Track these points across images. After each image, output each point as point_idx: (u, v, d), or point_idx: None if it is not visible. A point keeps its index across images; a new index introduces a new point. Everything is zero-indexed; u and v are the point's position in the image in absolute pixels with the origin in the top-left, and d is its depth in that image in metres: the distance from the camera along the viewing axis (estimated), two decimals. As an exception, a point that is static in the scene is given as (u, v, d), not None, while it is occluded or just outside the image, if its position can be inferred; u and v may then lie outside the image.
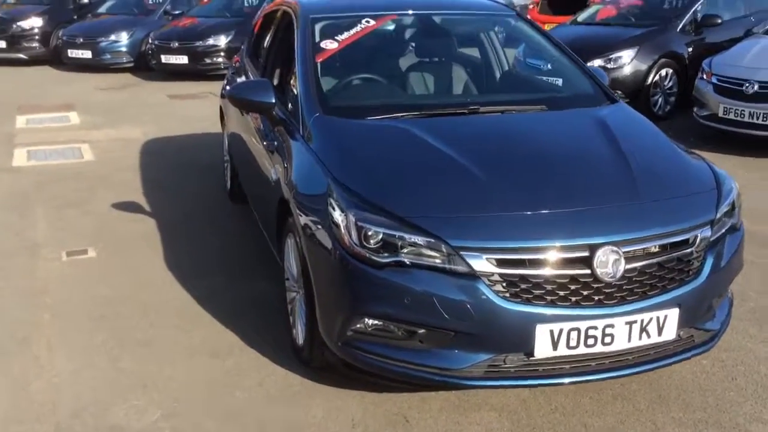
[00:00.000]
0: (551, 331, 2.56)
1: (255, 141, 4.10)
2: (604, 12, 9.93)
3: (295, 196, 3.14)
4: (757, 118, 6.78)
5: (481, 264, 2.57)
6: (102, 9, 14.56)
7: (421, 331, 2.66)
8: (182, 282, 4.28)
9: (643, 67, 8.39)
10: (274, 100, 3.61)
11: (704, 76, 7.48)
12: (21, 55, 13.93)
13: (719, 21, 8.86)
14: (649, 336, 2.66)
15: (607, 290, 2.60)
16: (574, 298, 2.59)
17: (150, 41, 12.63)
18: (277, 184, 3.44)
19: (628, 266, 2.61)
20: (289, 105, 3.70)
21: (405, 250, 2.65)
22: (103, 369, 3.36)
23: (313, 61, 3.68)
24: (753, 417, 2.88)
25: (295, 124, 3.49)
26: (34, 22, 14.09)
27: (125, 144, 7.77)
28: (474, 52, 4.44)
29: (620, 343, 2.63)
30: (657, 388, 3.06)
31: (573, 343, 2.59)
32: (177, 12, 13.80)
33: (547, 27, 9.65)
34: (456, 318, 2.57)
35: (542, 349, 2.58)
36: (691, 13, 8.86)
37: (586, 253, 2.60)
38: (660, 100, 8.54)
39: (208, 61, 12.16)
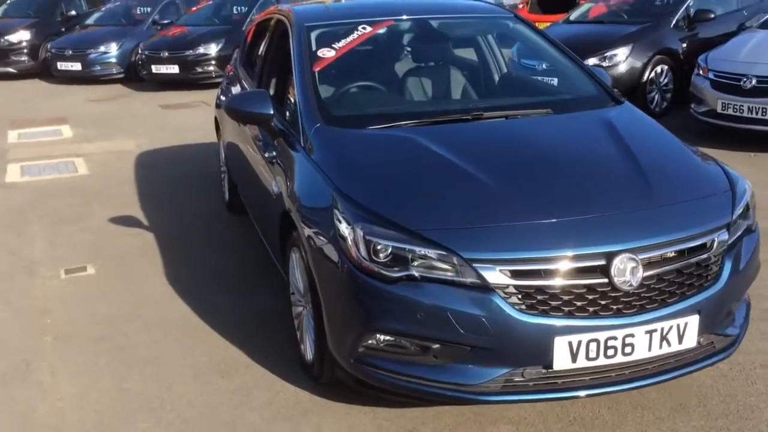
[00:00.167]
0: (570, 343, 2.50)
1: (254, 152, 4.03)
2: (596, 10, 9.89)
3: (299, 209, 3.07)
4: (757, 113, 6.75)
5: (495, 276, 2.50)
6: (90, 21, 14.47)
7: (436, 346, 2.59)
8: (184, 297, 4.21)
9: (639, 64, 8.35)
10: (272, 112, 3.54)
11: (701, 72, 7.44)
12: (10, 69, 13.81)
13: (712, 16, 8.84)
14: (669, 344, 2.60)
15: (625, 299, 2.54)
16: (592, 309, 2.52)
17: (140, 51, 12.55)
18: (279, 197, 3.38)
19: (646, 273, 2.55)
20: (288, 116, 3.63)
21: (416, 264, 2.58)
22: (108, 391, 3.28)
23: (311, 70, 3.61)
24: (775, 422, 2.83)
25: (295, 135, 3.42)
26: (21, 36, 13.97)
27: (119, 156, 7.69)
28: (473, 55, 4.38)
29: (641, 353, 2.57)
30: (676, 395, 3.00)
31: (593, 354, 2.52)
32: (165, 21, 13.72)
33: (539, 27, 9.61)
34: (471, 332, 2.51)
35: (561, 361, 2.52)
36: (684, 8, 8.84)
37: (602, 262, 2.53)
38: (656, 97, 8.50)
39: (199, 69, 12.08)
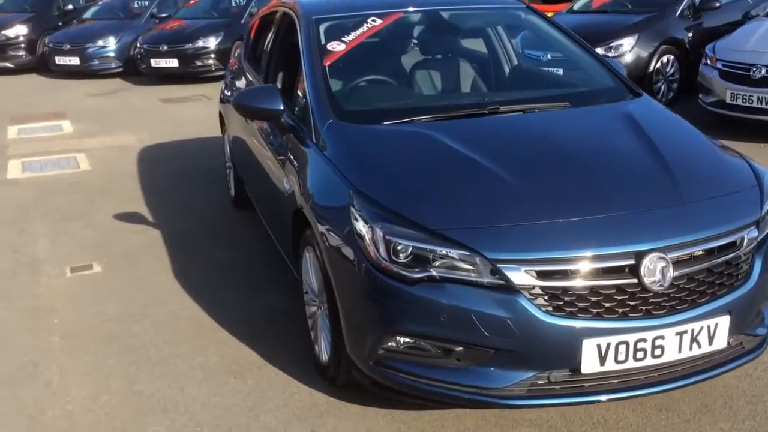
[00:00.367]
0: (598, 346, 2.43)
1: (263, 149, 3.95)
2: (599, -1, 9.80)
3: (313, 208, 2.99)
4: (767, 103, 6.66)
5: (521, 277, 2.43)
6: (87, 14, 14.34)
7: (459, 348, 2.51)
8: (193, 296, 4.13)
9: (645, 54, 8.26)
10: (282, 107, 3.46)
11: (708, 62, 7.35)
12: (7, 64, 13.66)
13: (717, 4, 8.74)
14: (699, 346, 2.53)
15: (655, 300, 2.47)
16: (621, 310, 2.45)
17: (138, 45, 12.43)
18: (291, 195, 3.30)
19: (676, 273, 2.48)
20: (298, 111, 3.55)
21: (437, 264, 2.50)
22: (118, 393, 3.21)
23: (321, 64, 3.52)
24: (803, 423, 2.76)
25: (306, 131, 3.34)
26: (19, 30, 13.81)
27: (121, 151, 7.60)
28: (485, 47, 4.28)
29: (670, 355, 2.50)
30: (701, 396, 2.94)
31: (621, 357, 2.45)
32: (164, 15, 13.57)
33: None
34: (496, 335, 2.43)
35: (589, 364, 2.44)
36: (689, -4, 8.74)
37: (631, 261, 2.46)
38: (663, 87, 8.42)
39: (198, 63, 11.97)
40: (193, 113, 9.55)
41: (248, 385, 3.21)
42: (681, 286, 2.50)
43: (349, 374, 2.93)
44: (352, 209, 2.70)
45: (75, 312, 4.00)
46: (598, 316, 2.44)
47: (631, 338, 2.45)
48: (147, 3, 14.12)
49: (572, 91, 3.64)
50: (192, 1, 13.94)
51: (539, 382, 2.50)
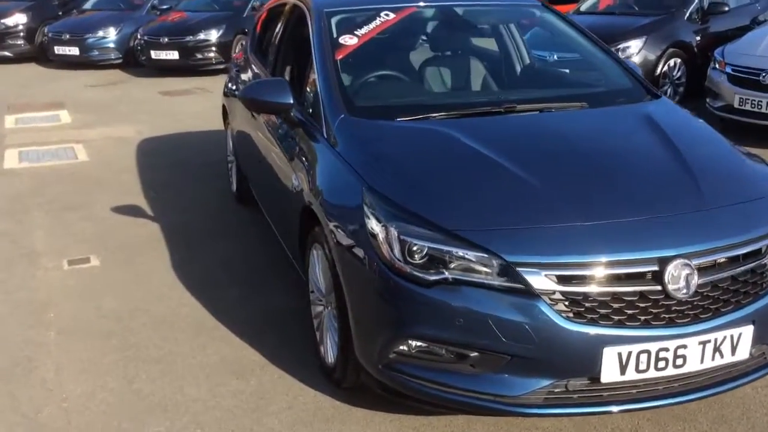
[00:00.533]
0: (619, 354, 2.34)
1: (270, 144, 3.84)
2: (606, 0, 9.72)
3: (323, 205, 2.90)
4: (776, 109, 6.59)
5: (541, 281, 2.34)
6: (87, 5, 14.16)
7: (474, 354, 2.42)
8: (193, 292, 4.03)
9: (652, 57, 8.19)
10: (292, 101, 3.36)
11: (717, 66, 7.28)
12: (6, 53, 13.51)
13: (726, 9, 8.68)
14: (722, 356, 2.44)
15: (678, 308, 2.38)
16: (643, 318, 2.36)
17: (139, 37, 12.31)
18: (300, 191, 3.20)
19: (701, 281, 2.39)
20: (308, 106, 3.45)
21: (453, 266, 2.41)
22: (116, 391, 3.11)
23: (333, 58, 3.42)
24: (823, 437, 2.68)
25: (317, 125, 3.24)
26: (18, 19, 13.65)
27: (119, 143, 7.49)
28: (501, 45, 4.19)
29: (692, 365, 2.41)
30: (718, 406, 2.85)
31: (642, 366, 2.36)
32: (165, 6, 13.45)
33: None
34: (514, 341, 2.34)
35: (609, 373, 2.35)
36: (697, 0, 8.66)
37: (655, 268, 2.37)
38: (669, 91, 8.34)
39: (199, 56, 11.87)
40: (193, 106, 9.45)
41: (250, 385, 3.12)
42: (705, 294, 2.42)
43: (356, 377, 2.84)
44: (365, 207, 2.61)
45: (72, 306, 3.90)
46: (620, 324, 2.35)
47: (653, 347, 2.36)
48: (148, -6, 13.99)
49: (589, 91, 3.55)
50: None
51: (556, 390, 2.41)
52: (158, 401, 3.03)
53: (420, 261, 2.44)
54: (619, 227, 2.45)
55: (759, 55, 6.96)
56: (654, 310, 2.37)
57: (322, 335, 3.11)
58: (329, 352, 3.01)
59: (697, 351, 2.40)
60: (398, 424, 2.83)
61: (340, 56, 3.43)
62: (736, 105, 6.92)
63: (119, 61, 12.70)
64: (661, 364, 2.38)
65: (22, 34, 13.61)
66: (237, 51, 11.87)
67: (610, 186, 2.65)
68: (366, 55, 3.58)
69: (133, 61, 12.54)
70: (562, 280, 2.35)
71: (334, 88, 3.23)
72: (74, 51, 12.69)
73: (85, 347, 3.47)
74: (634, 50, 8.15)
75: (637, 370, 2.37)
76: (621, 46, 8.13)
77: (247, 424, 2.87)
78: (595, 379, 2.38)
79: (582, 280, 2.35)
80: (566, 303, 2.34)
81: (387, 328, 2.53)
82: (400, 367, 2.56)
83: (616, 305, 2.35)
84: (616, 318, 2.35)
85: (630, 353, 2.34)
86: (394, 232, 2.47)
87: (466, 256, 2.40)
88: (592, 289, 2.35)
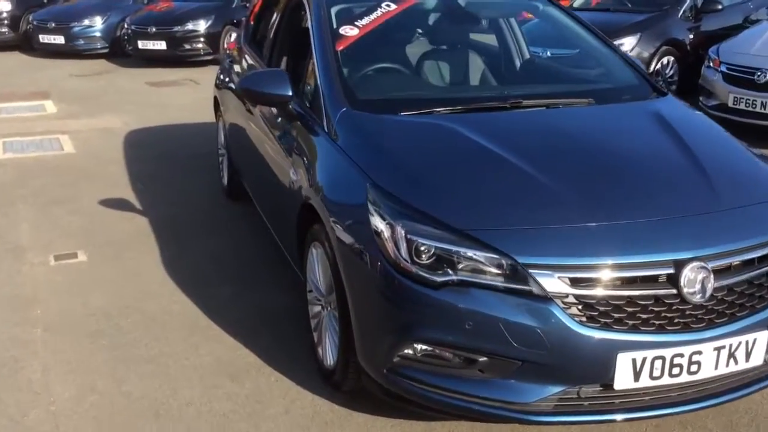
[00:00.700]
0: (634, 360, 2.26)
1: (266, 138, 3.73)
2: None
3: (324, 202, 2.79)
4: (771, 109, 6.55)
5: (554, 284, 2.25)
6: (73, -7, 13.95)
7: (483, 359, 2.33)
8: (184, 289, 3.91)
9: (645, 54, 8.14)
10: (291, 93, 3.25)
11: (711, 64, 7.24)
12: (-11, 41, 13.28)
13: (720, 7, 8.65)
14: (736, 362, 2.37)
15: (693, 312, 2.30)
16: (657, 322, 2.28)
17: (126, 26, 12.12)
18: (299, 187, 3.09)
19: (717, 284, 2.32)
20: (308, 98, 3.34)
21: (462, 267, 2.32)
22: (106, 393, 2.99)
23: (334, 49, 3.31)
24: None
25: (317, 119, 3.14)
26: (2, 7, 13.36)
27: (106, 134, 7.34)
28: (505, 39, 4.10)
29: (707, 372, 2.34)
30: (726, 412, 2.79)
31: (657, 373, 2.28)
32: (153, -5, 13.24)
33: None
34: (525, 345, 2.25)
35: (623, 380, 2.28)
36: (691, -2, 8.63)
37: (671, 270, 2.29)
38: (662, 88, 8.28)
39: (187, 46, 11.69)
40: (181, 98, 9.30)
41: (246, 388, 3.01)
42: (720, 298, 2.34)
43: (356, 381, 2.75)
44: (369, 205, 2.51)
45: (59, 304, 3.77)
46: (635, 329, 2.27)
47: (668, 353, 2.28)
48: (135, -17, 13.77)
49: (595, 87, 3.47)
50: (182, -17, 13.61)
51: (567, 397, 2.32)
52: (150, 405, 2.92)
53: (427, 261, 2.35)
54: (634, 228, 2.37)
55: (754, 54, 6.92)
56: (668, 315, 2.29)
57: (320, 336, 3.02)
58: (328, 354, 2.92)
59: (711, 357, 2.33)
60: (399, 429, 2.74)
61: (341, 47, 3.32)
62: (730, 104, 6.87)
63: (105, 50, 12.50)
64: (676, 370, 2.30)
65: (6, 22, 13.35)
66: (227, 42, 11.74)
67: (622, 185, 2.57)
68: (367, 47, 3.47)
69: (120, 50, 12.35)
70: (576, 282, 2.26)
71: (335, 81, 3.12)
72: (59, 40, 12.47)
73: (73, 346, 3.35)
74: (628, 47, 8.08)
75: (651, 377, 2.29)
76: (615, 42, 8.03)
77: (243, 428, 2.77)
78: (608, 385, 2.30)
79: (596, 282, 2.27)
80: (579, 307, 2.25)
81: (392, 330, 2.43)
82: (405, 371, 2.46)
83: (630, 309, 2.27)
84: (631, 323, 2.27)
85: (645, 359, 2.27)
86: (400, 231, 2.37)
87: (476, 257, 2.31)
88: (606, 292, 2.27)
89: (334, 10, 3.57)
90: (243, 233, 4.68)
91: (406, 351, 2.42)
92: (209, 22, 11.72)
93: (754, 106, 6.69)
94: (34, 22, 12.78)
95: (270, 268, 4.11)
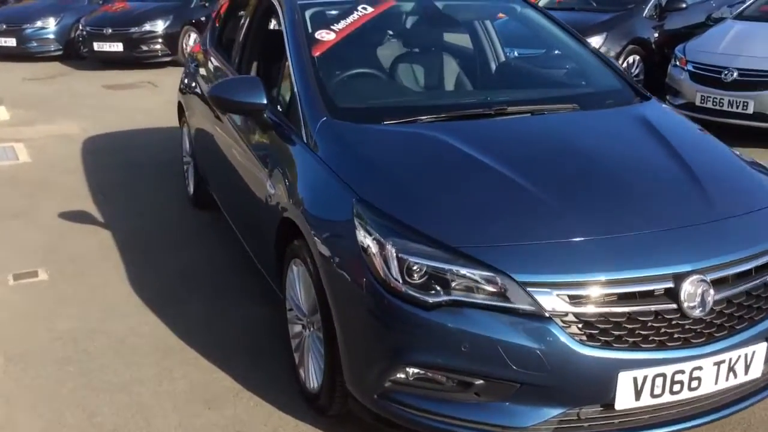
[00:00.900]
0: (635, 379, 2.18)
1: (237, 146, 3.57)
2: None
3: (307, 217, 2.65)
4: (738, 107, 6.60)
5: (553, 302, 2.16)
6: (25, -7, 13.54)
7: (479, 382, 2.22)
8: (154, 309, 3.73)
9: (612, 53, 8.13)
10: (266, 101, 3.10)
11: (678, 63, 7.26)
12: (-64, 44, 12.76)
13: (684, 5, 8.69)
14: (735, 376, 2.31)
15: (694, 327, 2.23)
16: (658, 338, 2.20)
17: (80, 28, 11.80)
18: (276, 201, 2.95)
19: (717, 297, 2.25)
20: (283, 106, 3.20)
21: (457, 286, 2.21)
22: (76, 427, 2.80)
23: (310, 55, 3.17)
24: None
25: (294, 129, 3.00)
26: (-51, 8, 12.94)
27: (63, 142, 7.08)
28: (483, 42, 4.00)
29: (707, 387, 2.27)
30: (720, 424, 2.71)
31: (658, 390, 2.21)
32: (108, -5, 12.90)
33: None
34: (524, 367, 2.15)
35: (624, 399, 2.19)
36: (656, -3, 8.67)
37: (670, 285, 2.21)
38: (629, 87, 8.31)
39: (144, 48, 11.44)
40: (140, 101, 9.05)
41: (225, 416, 2.85)
42: (720, 311, 2.27)
43: (343, 405, 2.62)
44: (356, 221, 2.38)
45: (20, 327, 3.56)
46: (635, 346, 2.18)
47: (668, 370, 2.21)
48: (89, -16, 13.41)
49: (579, 92, 3.38)
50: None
51: (568, 419, 2.23)
52: (124, 436, 2.75)
53: (419, 281, 2.23)
54: (632, 241, 2.29)
55: (720, 53, 6.96)
56: (669, 330, 2.21)
57: (302, 357, 2.88)
58: (312, 377, 2.78)
59: (712, 372, 2.26)
60: (390, 454, 2.62)
61: (318, 53, 3.18)
62: (697, 103, 6.90)
63: (59, 53, 12.16)
64: (677, 387, 2.23)
65: (-47, 24, 12.87)
66: (187, 44, 11.47)
67: (617, 197, 2.48)
68: (345, 52, 3.34)
69: (75, 53, 12.02)
70: (575, 300, 2.17)
71: (312, 88, 2.98)
72: (11, 42, 12.10)
73: (38, 375, 3.15)
74: (595, 47, 8.06)
75: (652, 395, 2.22)
76: (582, 42, 8.05)
77: (224, 459, 2.63)
78: (609, 405, 2.21)
79: (596, 299, 2.18)
80: (579, 325, 2.16)
81: (382, 354, 2.31)
82: (396, 396, 2.34)
83: (630, 326, 2.18)
84: (631, 340, 2.18)
85: (645, 377, 2.19)
86: (391, 250, 2.25)
87: (471, 276, 2.20)
88: (606, 309, 2.18)
89: (308, 13, 3.42)
90: (213, 244, 4.52)
91: (398, 375, 2.30)
92: (167, 23, 11.47)
93: (721, 104, 6.73)
94: (-16, 25, 12.36)
95: (244, 280, 3.96)
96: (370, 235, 2.33)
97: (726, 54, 6.89)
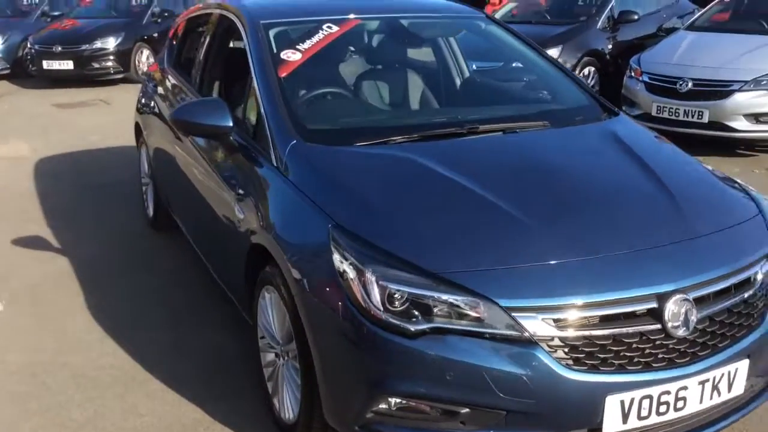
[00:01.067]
0: (622, 402, 2.14)
1: (201, 169, 3.46)
2: (520, 9, 9.77)
3: (279, 243, 2.56)
4: (693, 116, 6.72)
5: (538, 326, 2.11)
6: (-31, 11, 13.12)
7: (465, 410, 2.17)
8: (116, 338, 3.59)
9: (568, 65, 8.21)
10: (231, 124, 3.01)
11: (633, 74, 7.38)
12: None
13: (636, 17, 8.86)
14: (719, 394, 2.30)
15: (678, 347, 2.21)
16: (643, 360, 2.18)
17: (29, 45, 11.50)
18: (246, 226, 2.85)
19: (699, 316, 2.23)
20: (250, 129, 3.11)
21: (439, 313, 2.15)
22: (36, 468, 2.67)
23: (277, 75, 3.09)
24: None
25: (263, 151, 2.91)
26: None
27: (13, 164, 6.85)
28: (448, 59, 3.97)
29: (692, 407, 2.25)
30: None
31: (645, 412, 2.18)
32: (56, 13, 12.61)
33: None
34: (511, 394, 2.10)
35: (611, 423, 2.16)
36: (608, 9, 8.81)
37: (654, 305, 2.19)
38: (585, 99, 8.41)
39: (96, 65, 11.20)
40: (92, 119, 8.84)
41: (197, 450, 2.75)
42: (702, 329, 2.26)
43: (322, 437, 2.53)
44: (333, 247, 2.30)
45: (-26, 362, 3.39)
46: (621, 369, 2.16)
47: (655, 391, 2.18)
48: (37, 0, 13.06)
49: (548, 108, 3.37)
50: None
51: (555, 445, 2.19)
52: (89, 477, 2.62)
53: (400, 308, 2.17)
54: (614, 262, 2.26)
55: (674, 63, 7.09)
56: (653, 351, 2.19)
57: (276, 387, 2.78)
58: (287, 407, 2.69)
59: (696, 391, 2.24)
60: (371, 485, 2.54)
61: (284, 74, 3.10)
62: (653, 113, 7.01)
63: (6, 71, 11.82)
64: (663, 408, 2.21)
65: None
66: (141, 62, 11.26)
67: (597, 216, 2.46)
68: (312, 72, 3.27)
69: (22, 71, 11.69)
70: (561, 323, 2.13)
71: (281, 110, 2.90)
72: (-46, 61, 11.69)
73: (-4, 413, 3.00)
74: (562, 62, 8.18)
75: (639, 417, 2.19)
76: (538, 55, 8.13)
77: (198, 498, 2.52)
78: (596, 430, 2.17)
79: (581, 322, 2.14)
80: (565, 349, 2.12)
81: (363, 384, 2.24)
82: (379, 427, 2.27)
83: (615, 348, 2.16)
84: (617, 362, 2.15)
85: (633, 400, 2.16)
86: (371, 277, 2.18)
87: (454, 302, 2.14)
88: (592, 332, 2.14)
89: (272, 33, 3.34)
90: (175, 268, 4.38)
91: (380, 406, 2.23)
92: (119, 40, 11.25)
93: (677, 114, 6.85)
94: (-74, 43, 11.94)
95: (210, 304, 3.84)
96: (344, 259, 2.26)
97: (680, 65, 7.02)
